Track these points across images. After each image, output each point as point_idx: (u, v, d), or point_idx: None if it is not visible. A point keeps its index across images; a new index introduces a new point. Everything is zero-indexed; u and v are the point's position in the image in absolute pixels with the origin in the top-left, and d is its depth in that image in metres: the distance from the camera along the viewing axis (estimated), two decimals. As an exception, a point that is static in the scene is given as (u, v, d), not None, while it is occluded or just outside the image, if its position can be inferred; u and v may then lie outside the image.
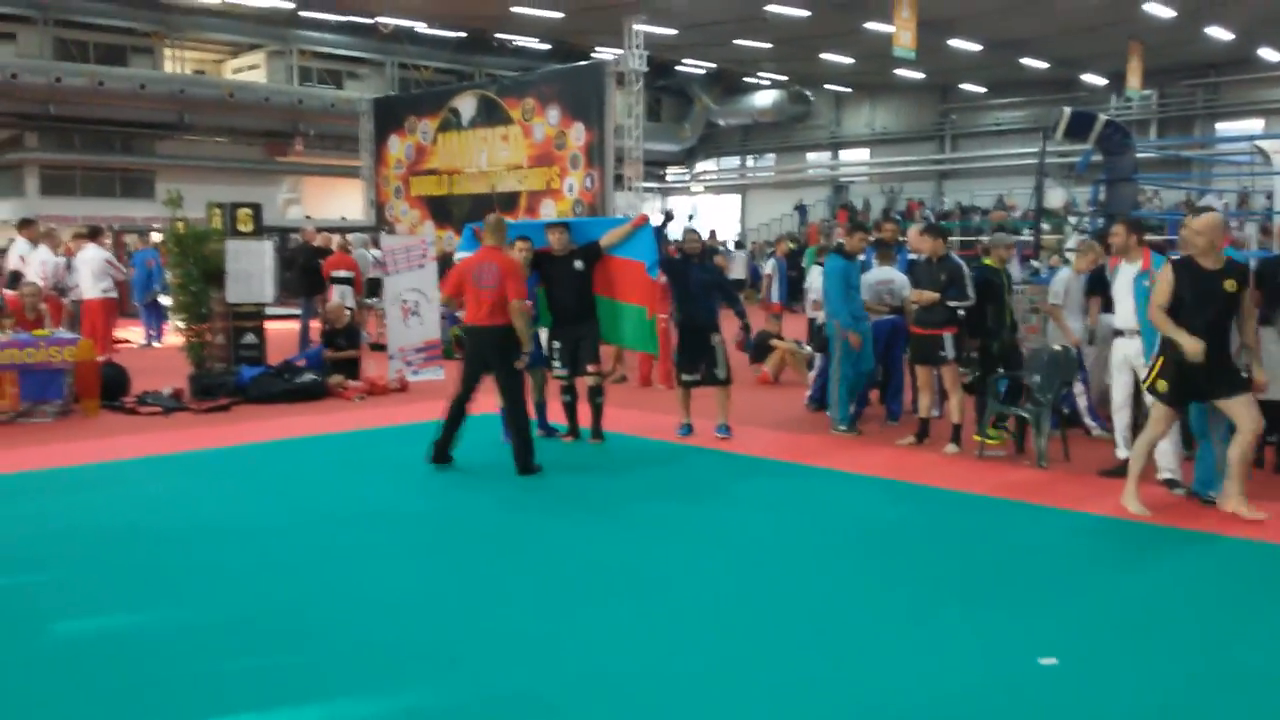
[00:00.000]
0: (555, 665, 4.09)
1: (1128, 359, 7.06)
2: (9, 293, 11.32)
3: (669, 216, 9.99)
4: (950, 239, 8.48)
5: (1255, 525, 5.96)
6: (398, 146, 22.12)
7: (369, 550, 5.60)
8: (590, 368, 8.36)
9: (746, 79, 36.76)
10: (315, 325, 14.07)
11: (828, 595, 4.91)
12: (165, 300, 14.82)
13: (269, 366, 10.90)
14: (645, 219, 8.55)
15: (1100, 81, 29.70)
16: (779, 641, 4.33)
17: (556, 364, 8.38)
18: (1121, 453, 7.16)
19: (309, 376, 10.75)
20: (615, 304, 8.54)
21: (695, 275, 8.47)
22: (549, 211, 19.26)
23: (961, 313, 7.95)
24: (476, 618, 4.61)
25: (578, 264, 8.28)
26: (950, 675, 3.99)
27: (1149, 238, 8.12)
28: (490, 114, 20.19)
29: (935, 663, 4.10)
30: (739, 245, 22.99)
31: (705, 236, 14.42)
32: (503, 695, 3.81)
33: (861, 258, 8.96)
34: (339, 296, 13.81)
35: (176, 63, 31.44)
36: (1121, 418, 7.21)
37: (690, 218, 35.89)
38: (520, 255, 7.98)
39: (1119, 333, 7.15)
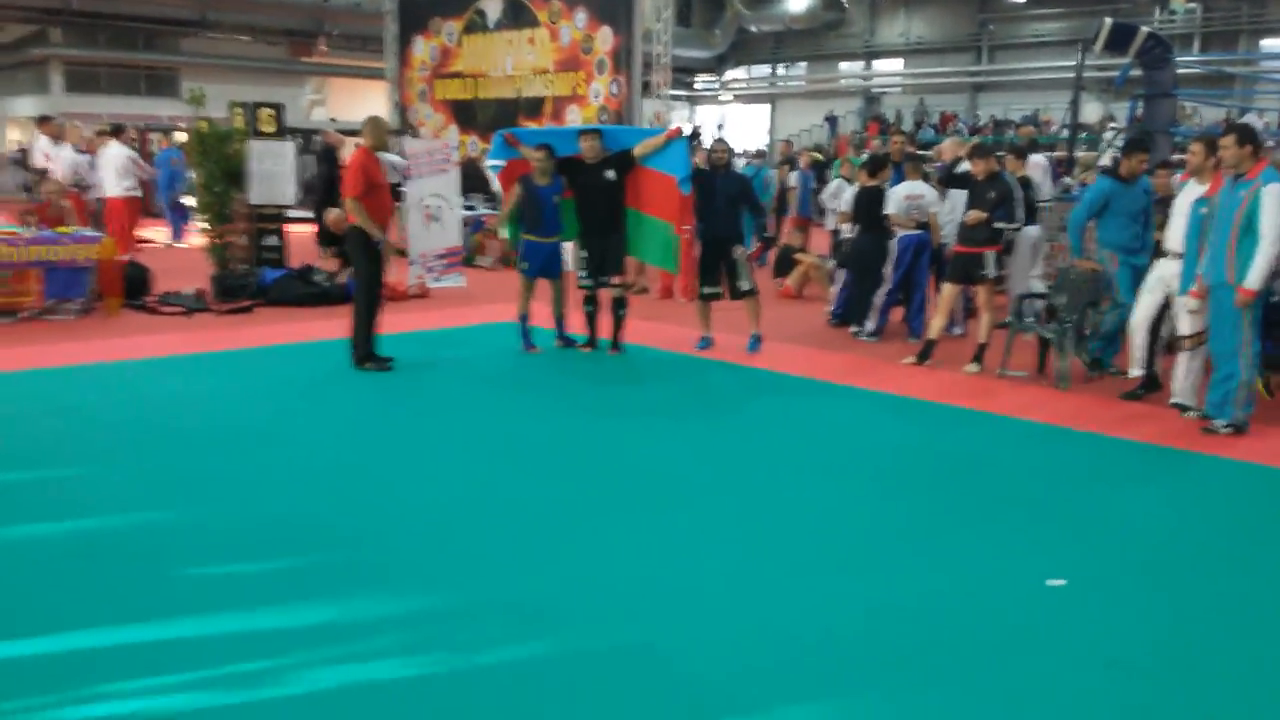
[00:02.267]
0: (557, 571, 4.13)
1: (1164, 279, 6.93)
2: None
3: (695, 134, 9.90)
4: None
5: (1261, 448, 5.98)
6: (422, 48, 21.79)
7: (383, 456, 5.65)
8: (614, 279, 8.31)
9: (780, -17, 35.81)
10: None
11: (836, 512, 4.92)
12: (189, 200, 14.79)
13: (290, 269, 10.89)
14: (679, 131, 8.38)
15: (1146, -8, 28.77)
16: (783, 557, 4.35)
17: (582, 273, 8.32)
18: (1134, 371, 7.12)
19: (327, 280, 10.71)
20: (641, 217, 8.43)
21: (720, 187, 8.35)
22: (574, 118, 19.00)
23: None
24: (488, 524, 4.65)
25: (609, 173, 8.11)
26: (957, 595, 4.00)
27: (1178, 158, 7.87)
28: (517, 15, 19.81)
29: (943, 581, 4.12)
30: (759, 156, 22.40)
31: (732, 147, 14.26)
32: (508, 601, 3.86)
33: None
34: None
35: (200, -42, 30.90)
36: (1139, 337, 7.12)
37: (719, 127, 35.39)
38: (536, 164, 8.00)
39: (1163, 252, 7.00)
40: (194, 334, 8.86)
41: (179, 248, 15.51)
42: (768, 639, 3.60)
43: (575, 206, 8.24)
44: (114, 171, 13.40)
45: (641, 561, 4.26)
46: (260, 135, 10.84)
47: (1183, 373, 6.75)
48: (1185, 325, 6.70)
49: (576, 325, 8.65)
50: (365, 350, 7.63)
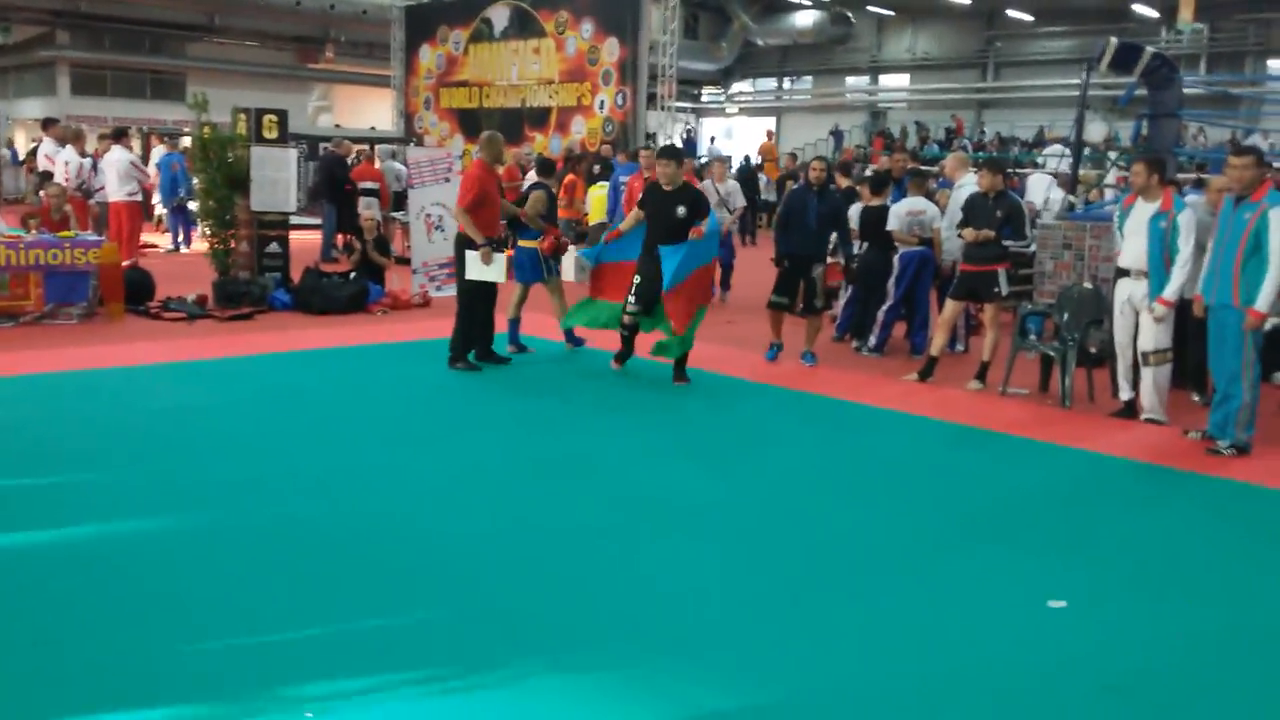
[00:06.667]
0: (544, 581, 4.10)
1: (1131, 300, 6.92)
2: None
3: (687, 141, 9.88)
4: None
5: (1257, 468, 6.00)
6: (429, 56, 21.83)
7: (385, 467, 5.62)
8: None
9: (787, -2, 35.91)
10: (340, 237, 14.07)
11: (834, 531, 4.88)
12: (193, 205, 14.79)
13: (322, 274, 10.90)
14: (701, 233, 7.69)
15: (1152, 14, 28.79)
16: (776, 575, 4.32)
17: (631, 299, 7.78)
18: (1124, 394, 7.10)
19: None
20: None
21: (815, 205, 8.25)
22: (579, 128, 19.03)
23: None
24: (478, 531, 4.62)
25: (681, 210, 7.67)
26: (956, 616, 3.97)
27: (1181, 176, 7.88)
28: (523, 25, 19.85)
29: (941, 602, 4.08)
30: (743, 171, 21.99)
31: (739, 160, 14.23)
32: (493, 611, 3.83)
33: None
34: (364, 207, 13.76)
35: (208, -38, 31.02)
36: (1124, 360, 7.10)
37: (712, 140, 35.35)
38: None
39: (1124, 272, 6.97)
40: (195, 340, 8.84)
41: (183, 253, 15.50)
42: (760, 660, 3.56)
43: (648, 230, 7.75)
44: (116, 176, 13.39)
45: (637, 573, 4.23)
46: (263, 141, 10.84)
47: (1149, 388, 6.85)
48: (1149, 341, 6.75)
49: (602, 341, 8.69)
50: (459, 353, 7.95)
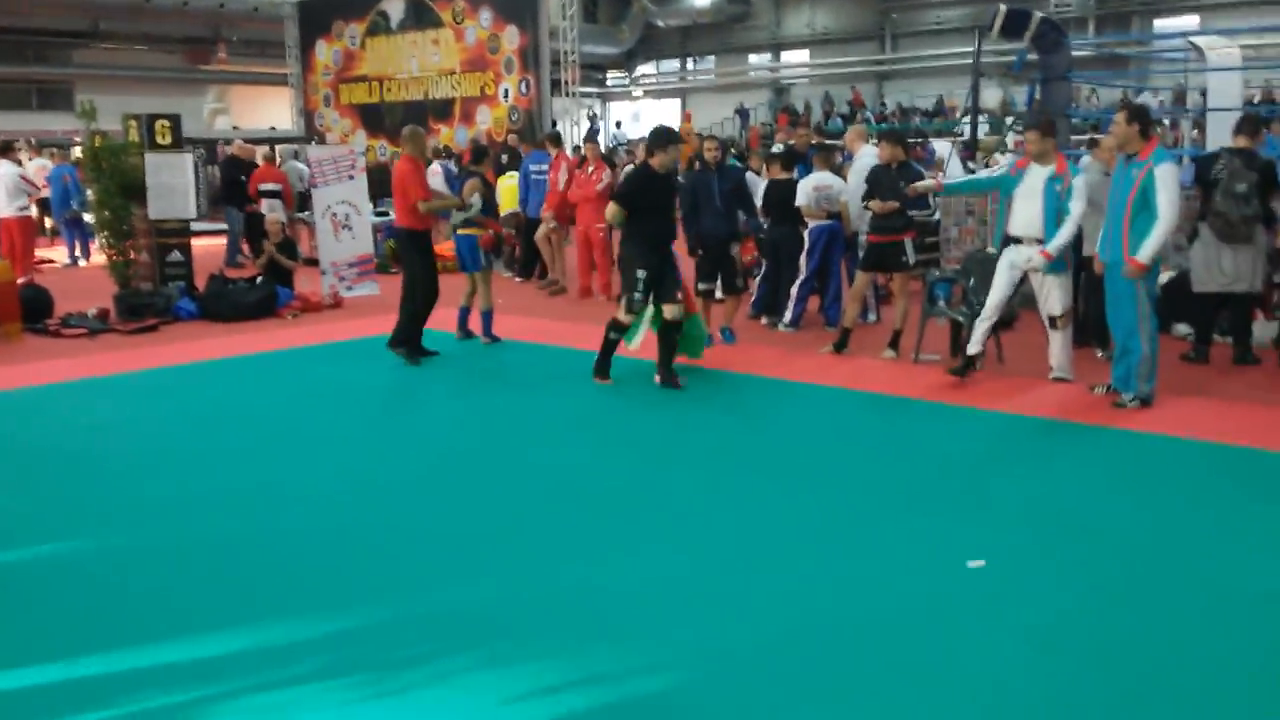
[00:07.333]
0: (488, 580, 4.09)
1: (1015, 264, 6.95)
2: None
3: (594, 128, 9.88)
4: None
5: (1159, 418, 6.20)
6: (325, 52, 21.44)
7: (306, 476, 5.53)
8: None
9: (685, -22, 35.95)
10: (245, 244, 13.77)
11: (754, 504, 4.93)
12: (89, 217, 14.34)
13: (226, 280, 10.65)
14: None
15: (1040, -23, 29.46)
16: (702, 551, 4.35)
17: (637, 295, 7.14)
18: (974, 349, 7.03)
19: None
20: None
21: (718, 185, 8.32)
22: (484, 118, 18.86)
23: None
24: (421, 540, 4.58)
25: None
26: (877, 582, 4.04)
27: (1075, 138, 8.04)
28: (420, 16, 19.59)
29: (862, 568, 4.15)
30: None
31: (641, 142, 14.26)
32: (424, 612, 3.81)
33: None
34: (268, 210, 13.47)
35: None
36: (988, 321, 7.02)
37: (618, 125, 35.33)
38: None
39: (1016, 240, 6.99)
40: (100, 356, 8.58)
41: (81, 266, 15.02)
42: (688, 639, 3.59)
43: (640, 220, 7.20)
44: (4, 191, 12.93)
45: (561, 562, 4.23)
46: (157, 148, 10.54)
47: (1059, 347, 7.02)
48: (1057, 304, 6.91)
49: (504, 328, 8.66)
50: (404, 337, 8.04)
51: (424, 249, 8.20)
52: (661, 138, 7.34)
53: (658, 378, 7.24)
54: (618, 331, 7.24)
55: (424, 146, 8.56)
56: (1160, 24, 29.43)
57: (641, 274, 7.09)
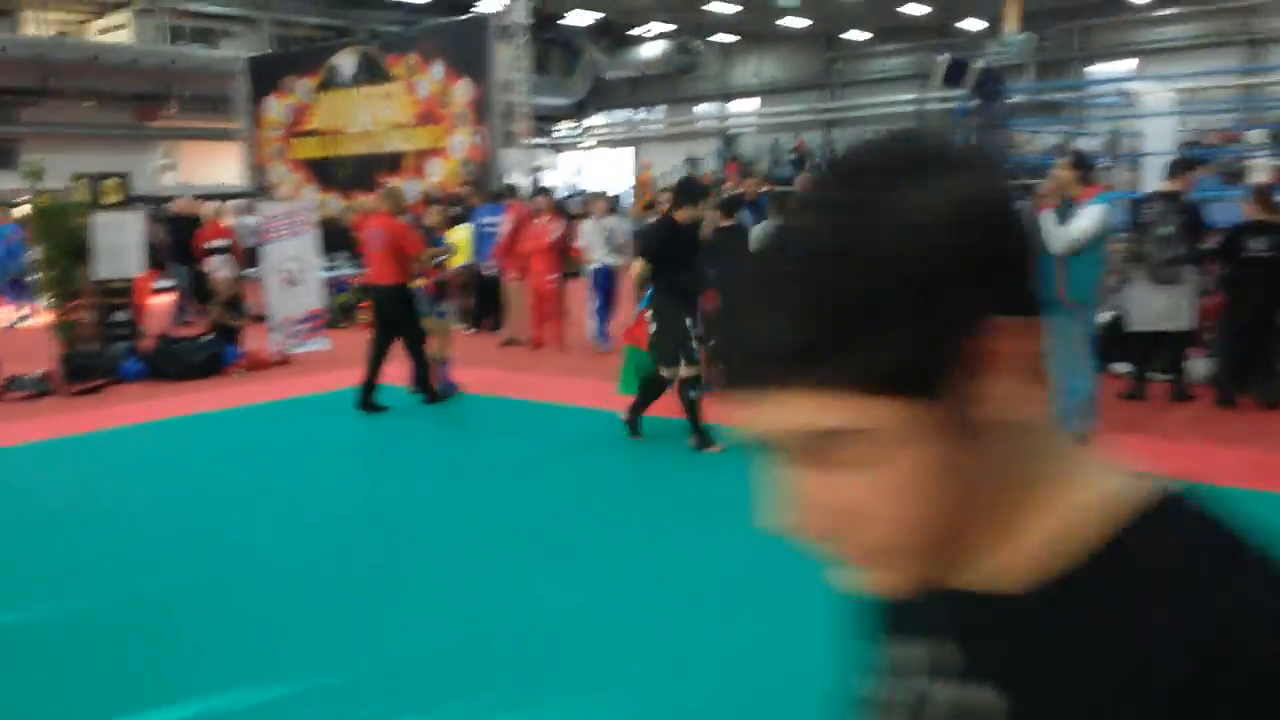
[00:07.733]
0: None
1: None
2: None
3: (536, 178, 9.99)
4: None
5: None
6: (276, 107, 21.48)
7: (252, 538, 5.48)
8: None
9: (633, 30, 36.47)
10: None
11: (733, 546, 4.98)
12: (31, 278, 14.18)
13: (170, 338, 10.60)
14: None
15: (981, 25, 30.24)
16: (681, 595, 4.38)
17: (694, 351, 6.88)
18: None
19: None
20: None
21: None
22: (436, 171, 18.95)
23: None
24: (356, 594, 4.56)
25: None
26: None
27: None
28: (372, 71, 19.72)
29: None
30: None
31: (595, 193, 14.32)
32: (386, 671, 3.79)
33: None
34: (216, 267, 13.39)
35: (38, 24, 29.91)
36: None
37: (578, 173, 35.59)
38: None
39: None
40: (45, 419, 8.46)
41: (21, 328, 14.83)
42: (670, 691, 3.61)
43: (667, 273, 6.99)
44: (-52, 251, 12.77)
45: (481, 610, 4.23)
46: (104, 207, 10.48)
47: None
48: None
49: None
50: (422, 375, 8.34)
51: (410, 301, 8.32)
52: (689, 192, 7.28)
53: (624, 415, 7.21)
54: (695, 389, 6.85)
55: (401, 204, 8.87)
56: (1095, 70, 30.31)
57: (689, 322, 6.85)
